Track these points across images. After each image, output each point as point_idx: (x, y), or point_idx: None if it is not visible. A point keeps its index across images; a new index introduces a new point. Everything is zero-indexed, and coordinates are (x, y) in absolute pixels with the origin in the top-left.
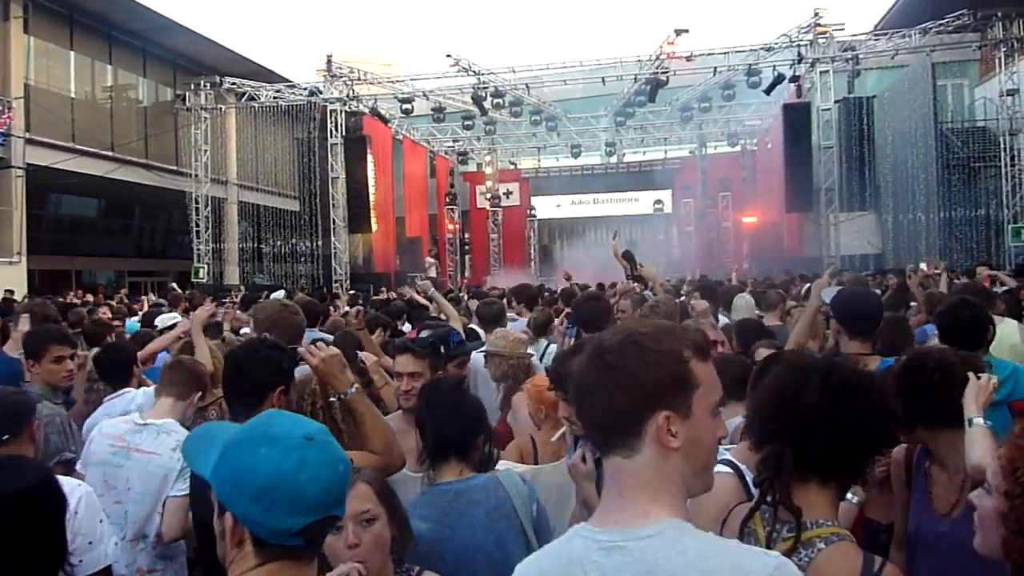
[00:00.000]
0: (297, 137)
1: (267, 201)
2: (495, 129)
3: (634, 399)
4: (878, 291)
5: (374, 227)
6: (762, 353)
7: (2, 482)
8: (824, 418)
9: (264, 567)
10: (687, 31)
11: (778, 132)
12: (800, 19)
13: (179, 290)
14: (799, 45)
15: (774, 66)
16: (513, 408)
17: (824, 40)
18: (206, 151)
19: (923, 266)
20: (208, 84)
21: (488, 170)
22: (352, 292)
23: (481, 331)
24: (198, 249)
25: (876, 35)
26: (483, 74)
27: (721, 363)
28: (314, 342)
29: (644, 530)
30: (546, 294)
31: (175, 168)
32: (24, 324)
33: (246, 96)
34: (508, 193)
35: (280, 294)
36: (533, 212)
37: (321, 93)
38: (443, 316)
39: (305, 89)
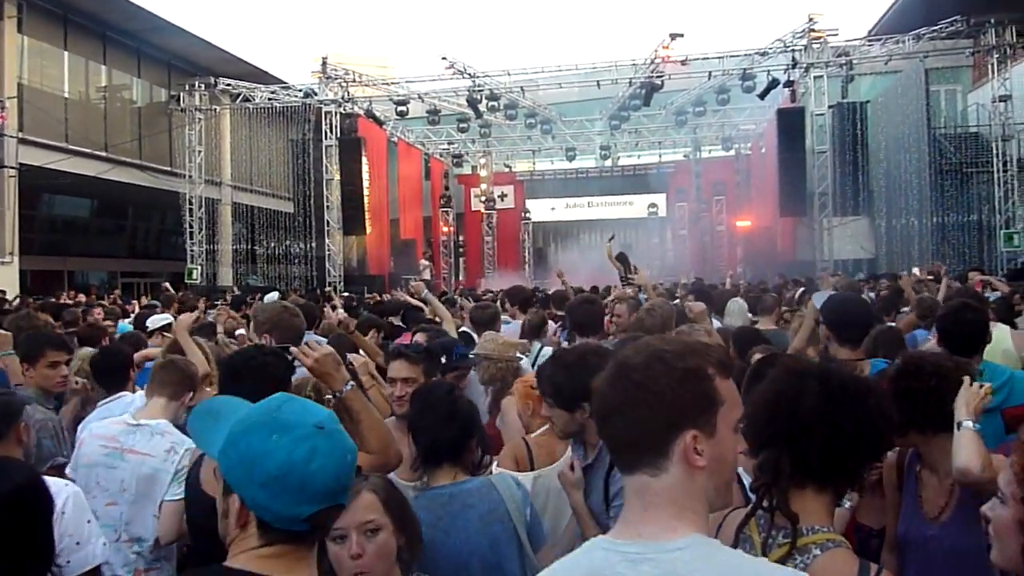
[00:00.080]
0: (291, 139)
1: (261, 202)
2: (490, 132)
3: (662, 418)
4: (872, 295)
5: (368, 229)
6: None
7: None
8: (822, 423)
9: (267, 548)
10: (682, 35)
11: (772, 136)
12: (795, 24)
13: (172, 291)
14: (793, 50)
15: (768, 71)
16: (502, 412)
17: (818, 45)
18: (200, 152)
19: (916, 271)
20: (202, 85)
21: (483, 173)
22: (346, 295)
23: (474, 334)
24: (191, 250)
25: (870, 40)
26: (478, 77)
27: None
28: (306, 343)
29: (673, 543)
30: (538, 296)
31: (169, 169)
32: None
33: (240, 97)
34: (503, 196)
35: (273, 296)
36: (528, 215)
37: (316, 95)
38: (437, 319)
39: (300, 91)
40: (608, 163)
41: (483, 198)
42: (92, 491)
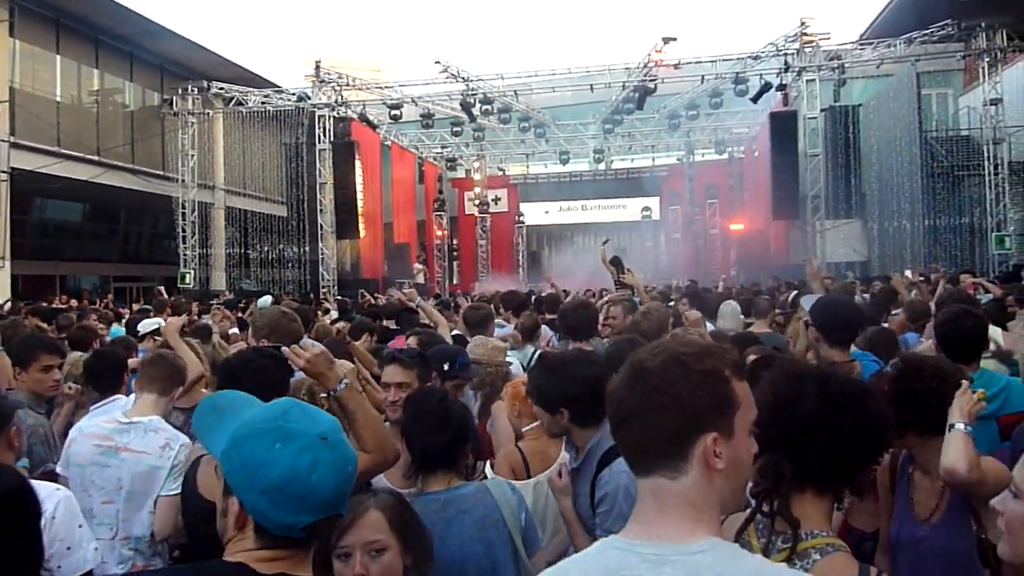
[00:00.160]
0: (285, 142)
1: (254, 206)
2: (483, 135)
3: (682, 421)
4: (866, 296)
5: (362, 233)
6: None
7: None
8: (821, 426)
9: (263, 551)
10: (675, 39)
11: (765, 140)
12: (787, 28)
13: (165, 295)
14: (786, 54)
15: (761, 75)
16: (492, 416)
17: (810, 49)
18: (193, 156)
19: (908, 273)
20: (195, 89)
21: (476, 176)
22: (340, 298)
23: (467, 336)
24: (184, 254)
25: (862, 44)
26: (472, 80)
27: None
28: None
29: (694, 545)
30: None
31: (161, 173)
32: None
33: (234, 101)
34: (496, 199)
35: (267, 300)
36: (521, 218)
37: (309, 98)
38: (432, 324)
39: (293, 94)
40: (602, 166)
41: (477, 202)
42: (87, 490)
